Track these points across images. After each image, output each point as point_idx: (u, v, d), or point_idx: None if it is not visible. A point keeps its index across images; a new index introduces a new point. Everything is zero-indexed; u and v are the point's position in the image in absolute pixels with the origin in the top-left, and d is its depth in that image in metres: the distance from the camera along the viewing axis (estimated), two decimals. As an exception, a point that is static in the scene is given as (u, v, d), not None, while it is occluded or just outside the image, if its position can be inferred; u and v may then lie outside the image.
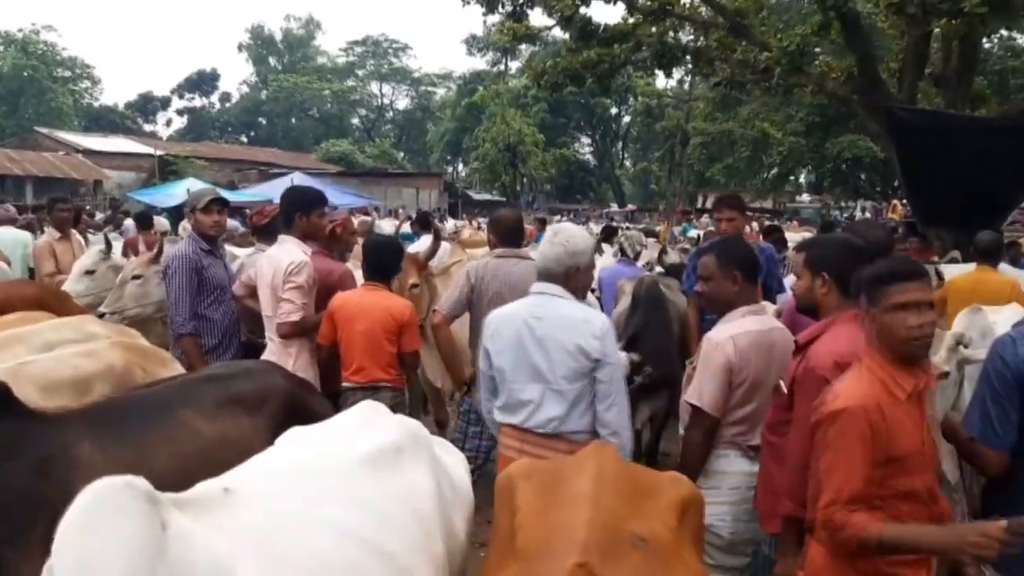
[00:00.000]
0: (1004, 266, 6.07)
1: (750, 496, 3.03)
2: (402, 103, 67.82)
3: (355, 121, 65.72)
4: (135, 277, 4.96)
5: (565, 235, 3.16)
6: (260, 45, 65.61)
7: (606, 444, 2.36)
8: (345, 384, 4.12)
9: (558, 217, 26.83)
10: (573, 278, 3.12)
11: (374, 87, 66.41)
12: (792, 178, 38.81)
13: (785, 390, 2.75)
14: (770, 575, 2.74)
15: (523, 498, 1.74)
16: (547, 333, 3.03)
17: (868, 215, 31.61)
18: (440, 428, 5.12)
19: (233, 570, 1.43)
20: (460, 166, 56.88)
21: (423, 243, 6.59)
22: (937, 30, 10.49)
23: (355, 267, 4.95)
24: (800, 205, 32.63)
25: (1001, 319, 3.77)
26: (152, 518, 1.29)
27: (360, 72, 65.49)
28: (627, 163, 58.07)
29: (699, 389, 3.03)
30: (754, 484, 3.01)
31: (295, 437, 2.15)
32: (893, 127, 9.67)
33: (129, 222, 12.58)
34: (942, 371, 3.33)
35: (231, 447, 2.11)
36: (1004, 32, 24.75)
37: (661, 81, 43.41)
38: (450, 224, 19.34)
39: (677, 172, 37.30)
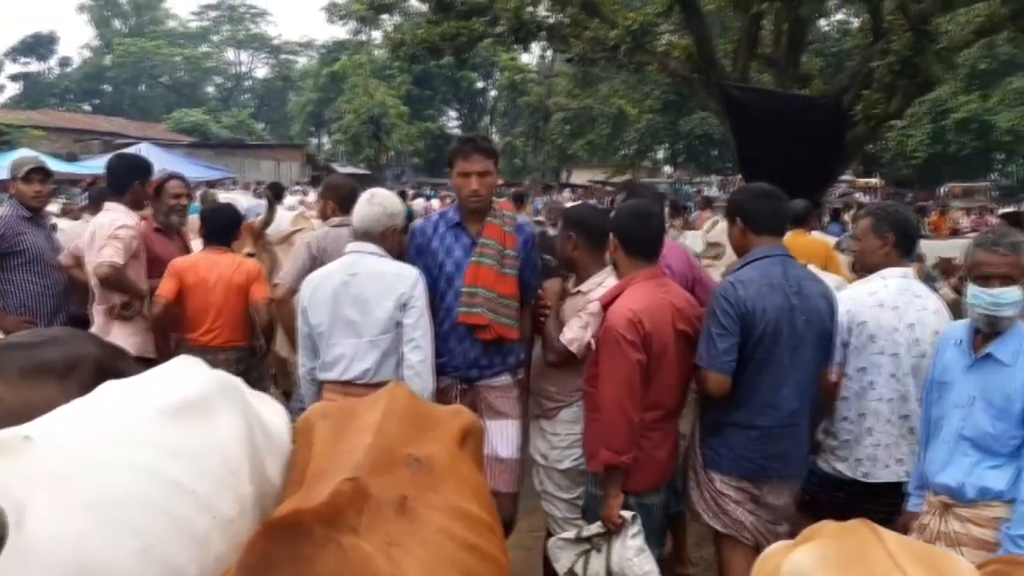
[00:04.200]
0: (816, 232, 6.95)
1: None
2: (261, 72, 64.99)
3: (210, 90, 62.49)
4: None
5: (381, 197, 3.41)
6: (103, 6, 61.02)
7: (400, 384, 2.53)
8: (194, 347, 4.04)
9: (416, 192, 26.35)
10: (389, 238, 3.36)
11: (231, 54, 63.32)
12: (651, 154, 40.44)
13: (594, 346, 3.02)
14: (595, 506, 2.97)
15: (318, 434, 1.90)
16: (362, 288, 3.21)
17: (716, 188, 33.38)
18: (286, 397, 5.14)
19: (24, 506, 1.51)
20: (324, 138, 55.38)
21: (283, 215, 6.47)
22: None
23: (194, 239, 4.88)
24: (656, 180, 34.07)
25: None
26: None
27: (215, 38, 62.16)
28: (495, 137, 58.36)
29: (571, 337, 3.19)
30: None
31: (106, 391, 2.20)
32: (727, 104, 10.35)
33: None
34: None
35: (38, 414, 2.09)
36: (841, 16, 26.75)
37: (526, 56, 43.97)
38: (311, 196, 18.71)
39: (540, 147, 37.95)
